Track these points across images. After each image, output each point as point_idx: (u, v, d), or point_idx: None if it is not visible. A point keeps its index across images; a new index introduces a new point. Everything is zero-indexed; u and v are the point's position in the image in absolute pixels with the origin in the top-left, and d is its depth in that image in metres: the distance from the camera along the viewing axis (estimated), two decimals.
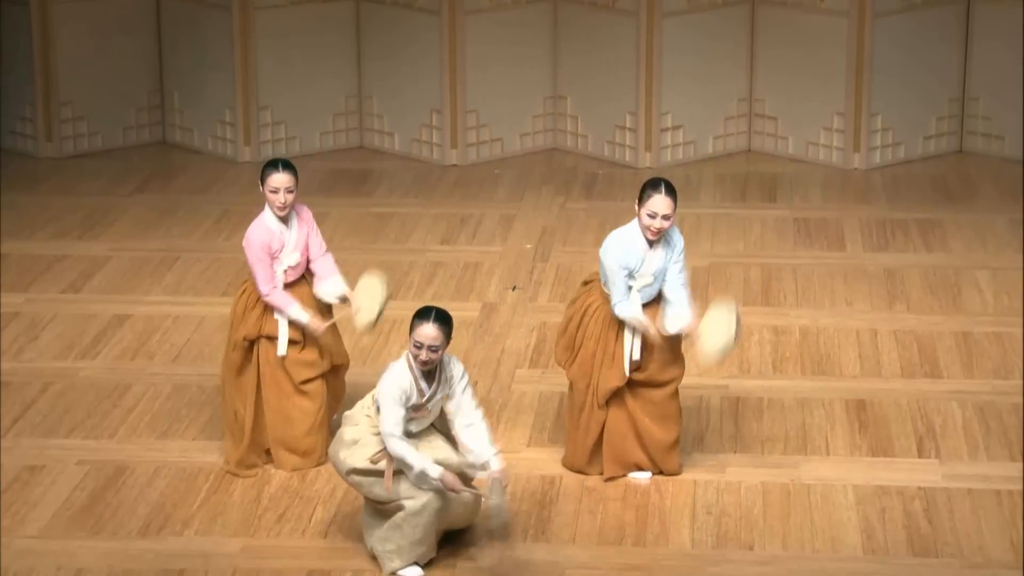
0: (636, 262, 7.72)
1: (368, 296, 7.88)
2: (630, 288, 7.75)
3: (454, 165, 12.97)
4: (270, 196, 7.92)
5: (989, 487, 7.92)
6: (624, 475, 7.99)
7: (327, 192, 12.27)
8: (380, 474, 7.12)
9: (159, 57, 13.46)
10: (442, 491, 7.07)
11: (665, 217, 7.65)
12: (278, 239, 7.97)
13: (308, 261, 8.11)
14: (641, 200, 7.69)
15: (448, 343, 7.07)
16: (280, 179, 7.88)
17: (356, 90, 13.35)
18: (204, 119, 13.28)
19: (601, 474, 7.98)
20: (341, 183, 12.48)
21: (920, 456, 8.25)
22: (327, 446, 8.00)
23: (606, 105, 12.97)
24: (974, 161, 12.95)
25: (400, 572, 7.17)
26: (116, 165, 13.00)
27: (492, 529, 7.47)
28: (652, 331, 7.76)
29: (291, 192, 7.90)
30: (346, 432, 7.21)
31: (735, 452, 8.30)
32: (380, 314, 7.86)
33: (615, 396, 7.89)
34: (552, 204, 12.05)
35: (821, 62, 12.75)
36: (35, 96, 13.09)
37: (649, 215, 7.66)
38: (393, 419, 7.02)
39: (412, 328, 7.01)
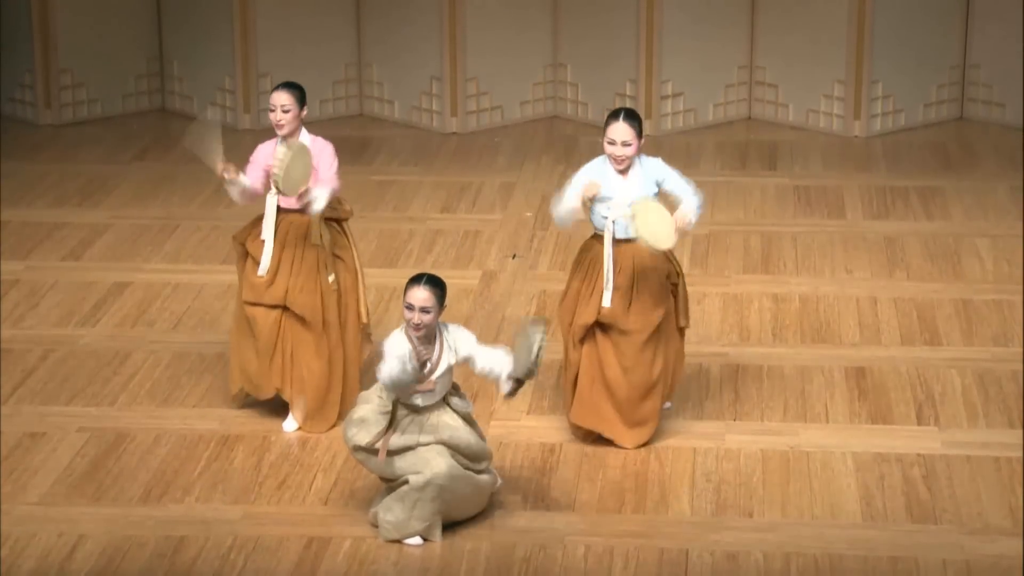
0: (605, 188, 7.76)
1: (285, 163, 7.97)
2: (602, 218, 7.79)
3: (454, 133, 12.96)
4: (269, 115, 8.12)
5: (988, 454, 7.94)
6: (588, 430, 7.99)
7: None
8: (388, 452, 7.15)
9: (159, 24, 13.44)
10: (447, 472, 7.08)
11: (624, 144, 7.72)
12: (273, 158, 8.09)
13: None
14: (604, 130, 7.76)
15: (441, 307, 7.08)
16: (276, 98, 8.08)
17: (356, 57, 13.33)
18: (204, 86, 13.26)
19: (598, 439, 8.00)
20: (341, 151, 12.34)
21: (919, 423, 8.27)
22: (284, 381, 8.11)
23: (606, 73, 12.96)
24: (975, 128, 12.94)
25: (405, 541, 7.19)
26: (115, 132, 12.99)
27: (494, 497, 7.50)
28: (585, 193, 7.75)
29: (287, 111, 8.05)
30: (357, 411, 7.25)
31: (735, 420, 8.32)
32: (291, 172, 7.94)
33: (590, 339, 7.90)
34: (552, 172, 12.04)
35: (822, 29, 12.73)
36: (34, 63, 13.07)
37: (609, 142, 7.76)
38: (390, 364, 7.03)
39: (405, 292, 7.06)
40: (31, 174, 12.01)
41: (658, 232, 7.66)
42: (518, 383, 7.19)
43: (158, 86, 13.54)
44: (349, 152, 12.48)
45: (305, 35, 13.10)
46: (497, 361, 7.21)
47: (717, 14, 12.91)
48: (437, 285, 7.08)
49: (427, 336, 7.12)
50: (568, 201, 7.80)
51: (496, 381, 7.23)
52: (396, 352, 7.04)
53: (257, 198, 8.18)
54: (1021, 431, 8.15)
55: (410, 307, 7.05)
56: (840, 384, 8.67)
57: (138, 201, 11.48)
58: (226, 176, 8.01)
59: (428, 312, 7.05)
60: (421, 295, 7.04)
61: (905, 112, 12.93)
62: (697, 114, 13.03)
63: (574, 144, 12.64)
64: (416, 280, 7.09)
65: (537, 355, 7.07)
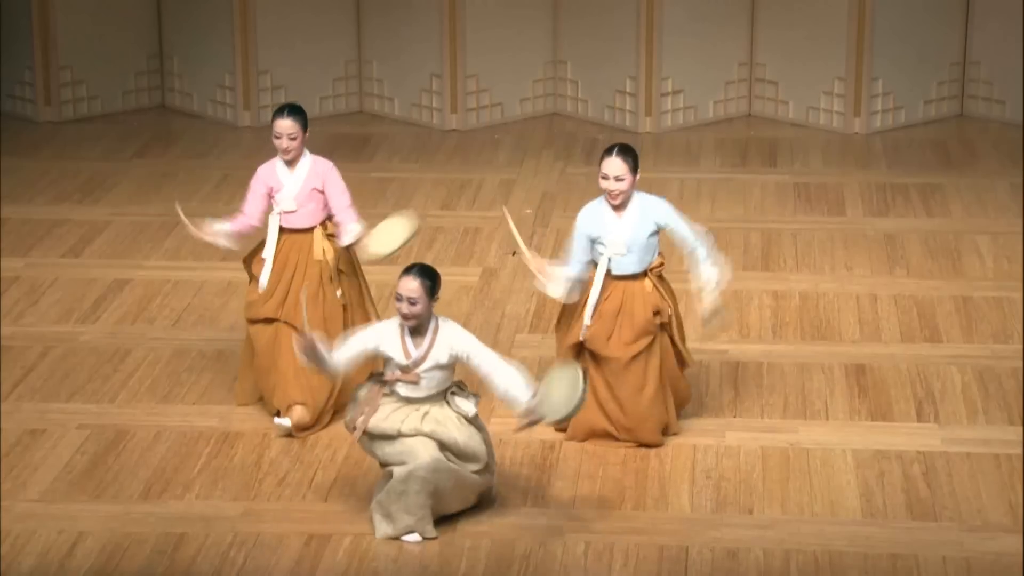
0: (600, 229, 7.77)
1: (388, 233, 8.10)
2: (598, 256, 7.78)
3: (454, 130, 12.96)
4: (275, 141, 8.13)
5: (988, 451, 7.94)
6: (584, 439, 7.99)
7: (327, 157, 12.21)
8: (372, 435, 7.18)
9: (159, 21, 13.44)
10: (430, 463, 7.08)
11: (617, 179, 7.72)
12: (277, 181, 8.14)
13: (330, 217, 8.22)
14: (599, 165, 7.75)
15: (432, 299, 7.08)
16: (282, 125, 8.10)
17: (356, 55, 13.33)
18: (204, 83, 13.26)
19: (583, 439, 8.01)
20: (341, 148, 12.46)
21: (919, 420, 8.27)
22: (278, 398, 8.12)
23: (607, 70, 12.95)
24: (975, 125, 12.94)
25: (403, 538, 7.19)
26: (116, 129, 12.99)
27: (493, 493, 7.50)
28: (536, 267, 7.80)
29: (294, 139, 8.10)
30: (355, 390, 7.29)
31: (735, 417, 8.32)
32: (395, 247, 8.08)
33: (584, 360, 7.89)
34: (552, 169, 12.04)
35: (822, 26, 12.73)
36: (34, 60, 13.07)
37: (602, 177, 7.76)
38: (342, 348, 7.11)
39: (397, 282, 7.08)
40: (31, 171, 12.01)
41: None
42: (534, 422, 7.11)
43: (158, 83, 13.54)
44: (349, 149, 12.48)
45: (305, 32, 13.10)
46: (513, 383, 7.09)
47: (717, 11, 12.90)
48: (428, 276, 7.09)
49: (418, 328, 7.13)
50: (564, 288, 7.79)
51: (510, 403, 7.15)
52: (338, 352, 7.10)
53: (248, 235, 8.23)
54: (1021, 428, 8.15)
55: (399, 297, 7.08)
56: (840, 381, 8.67)
57: (138, 198, 11.48)
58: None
59: (416, 303, 7.05)
60: (410, 285, 7.06)
61: (905, 109, 12.93)
62: (697, 111, 13.03)
63: (574, 141, 12.64)
64: (407, 270, 7.12)
65: (577, 406, 7.01)
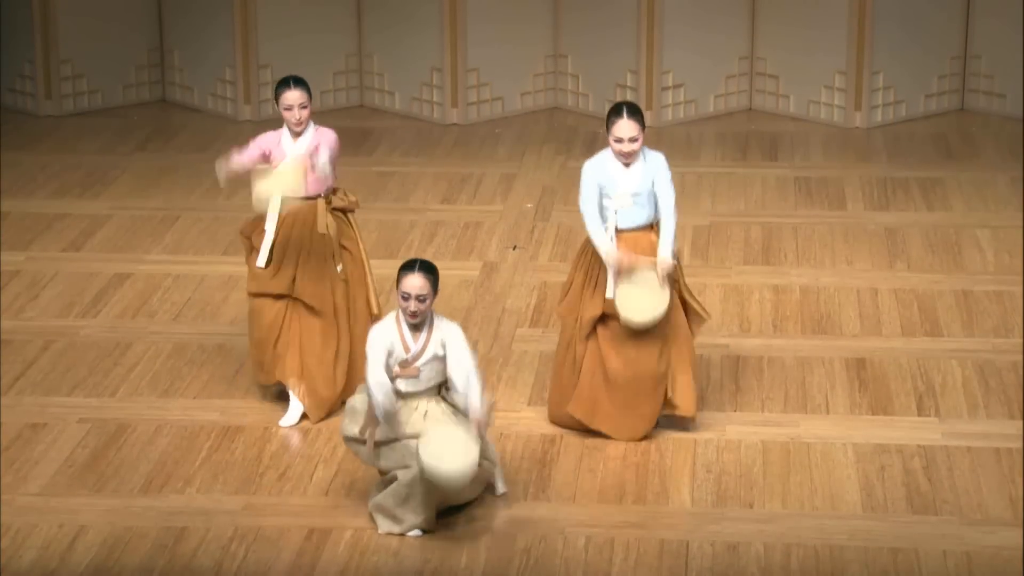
0: (608, 181, 7.79)
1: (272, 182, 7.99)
2: (605, 210, 7.81)
3: (455, 124, 12.96)
4: (285, 114, 8.07)
5: (988, 445, 7.94)
6: (584, 426, 7.99)
7: None
8: (376, 444, 7.15)
9: (159, 15, 13.44)
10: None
11: (632, 140, 7.74)
12: (279, 148, 8.08)
13: (335, 190, 8.19)
14: (608, 127, 7.81)
15: (435, 293, 7.07)
16: (292, 96, 8.04)
17: (357, 48, 13.33)
18: (204, 78, 13.26)
19: (592, 432, 8.00)
20: (341, 142, 12.42)
21: (920, 414, 8.27)
22: (287, 371, 8.11)
23: (607, 64, 12.95)
24: (976, 119, 12.94)
25: (407, 534, 7.19)
26: (116, 123, 12.99)
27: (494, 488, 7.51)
28: (612, 261, 7.77)
29: (304, 108, 8.06)
30: (351, 400, 7.25)
31: (735, 411, 8.32)
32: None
33: (592, 333, 7.90)
34: (553, 163, 12.03)
35: (823, 20, 12.73)
36: (35, 54, 13.07)
37: (616, 140, 7.78)
38: (375, 371, 7.04)
39: (398, 280, 7.05)
40: (32, 165, 12.01)
41: (644, 307, 7.72)
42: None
43: (159, 77, 13.54)
44: (350, 143, 12.46)
45: (306, 26, 13.10)
46: (472, 393, 7.06)
47: (718, 4, 12.90)
48: (431, 272, 7.08)
49: (418, 323, 7.12)
50: (601, 242, 7.79)
51: (462, 400, 7.15)
52: (377, 378, 7.01)
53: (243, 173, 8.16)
54: (1021, 422, 8.16)
55: (406, 296, 7.04)
56: (841, 375, 8.67)
57: (139, 192, 11.48)
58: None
59: (423, 300, 7.04)
60: (416, 283, 7.03)
61: (906, 103, 12.92)
62: (698, 105, 13.03)
63: (575, 135, 12.64)
64: (409, 267, 7.07)
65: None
